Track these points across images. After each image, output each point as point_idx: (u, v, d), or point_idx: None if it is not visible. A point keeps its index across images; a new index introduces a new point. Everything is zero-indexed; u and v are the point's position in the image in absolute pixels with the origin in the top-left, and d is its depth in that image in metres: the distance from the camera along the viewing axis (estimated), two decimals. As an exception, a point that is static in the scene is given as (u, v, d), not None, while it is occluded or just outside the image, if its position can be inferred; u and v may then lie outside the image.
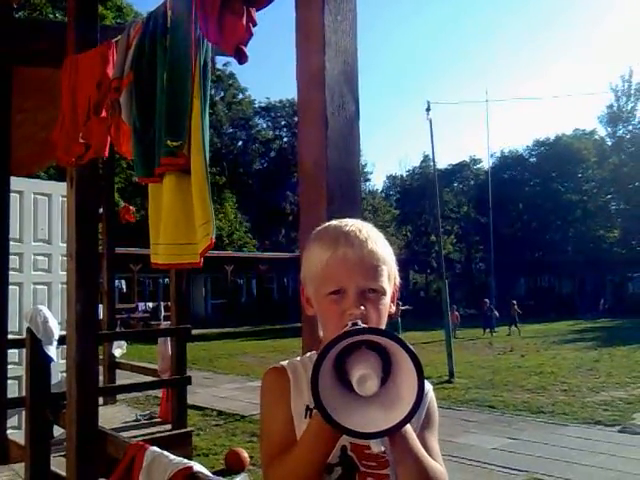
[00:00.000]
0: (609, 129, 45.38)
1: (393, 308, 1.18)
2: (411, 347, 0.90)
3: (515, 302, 21.61)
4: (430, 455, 1.08)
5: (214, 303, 31.34)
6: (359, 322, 1.00)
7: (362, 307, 1.07)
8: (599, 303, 33.53)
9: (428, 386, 1.21)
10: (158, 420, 6.60)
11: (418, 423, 1.14)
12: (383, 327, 1.13)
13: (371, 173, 50.91)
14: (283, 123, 45.71)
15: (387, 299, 1.13)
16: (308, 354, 1.24)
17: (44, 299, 5.86)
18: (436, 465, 1.07)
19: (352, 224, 1.15)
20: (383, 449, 0.95)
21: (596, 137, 46.58)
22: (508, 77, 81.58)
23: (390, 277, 1.14)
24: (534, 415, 7.83)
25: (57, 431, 4.02)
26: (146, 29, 2.23)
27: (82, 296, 2.78)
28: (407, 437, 1.00)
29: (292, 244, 36.93)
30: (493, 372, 11.63)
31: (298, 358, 1.24)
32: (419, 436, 1.08)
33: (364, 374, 0.90)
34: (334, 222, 1.19)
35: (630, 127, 44.38)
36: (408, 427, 1.00)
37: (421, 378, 0.89)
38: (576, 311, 28.91)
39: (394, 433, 0.93)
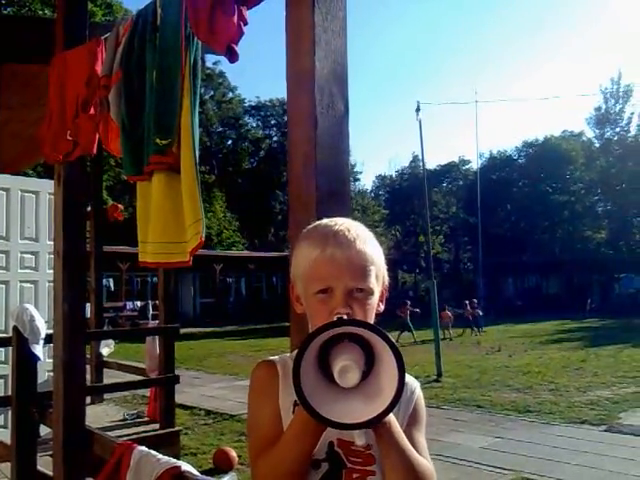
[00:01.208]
0: (597, 131, 45.76)
1: (382, 307, 1.19)
2: (392, 339, 0.91)
3: (468, 302, 21.67)
4: (416, 450, 1.08)
5: (203, 302, 31.25)
6: (344, 316, 1.02)
7: (349, 307, 1.08)
8: (586, 303, 33.71)
9: (415, 384, 1.22)
10: (146, 419, 6.60)
11: (404, 419, 1.15)
12: None
13: (361, 173, 50.95)
14: (273, 122, 45.68)
15: (374, 299, 1.14)
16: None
17: (31, 297, 5.83)
18: (422, 459, 1.07)
19: (342, 223, 1.16)
20: (366, 442, 0.96)
21: (584, 139, 46.94)
22: (497, 78, 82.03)
23: (378, 277, 1.15)
24: (521, 414, 7.88)
25: (43, 430, 4.00)
26: (135, 26, 2.22)
27: (69, 294, 2.76)
28: (393, 431, 1.01)
29: (281, 243, 36.94)
30: (481, 372, 11.68)
31: (288, 354, 1.25)
32: (405, 432, 1.09)
33: (345, 365, 0.91)
34: (324, 221, 1.19)
35: (618, 129, 44.75)
36: (394, 421, 1.01)
37: (402, 370, 0.90)
38: (563, 311, 29.06)
39: (375, 424, 0.94)
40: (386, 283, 1.20)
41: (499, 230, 43.24)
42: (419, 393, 1.21)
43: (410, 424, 1.15)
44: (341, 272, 1.09)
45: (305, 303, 1.16)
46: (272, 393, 1.14)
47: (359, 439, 0.96)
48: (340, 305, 1.08)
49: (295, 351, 1.24)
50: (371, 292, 1.12)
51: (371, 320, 1.13)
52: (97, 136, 2.42)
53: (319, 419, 0.90)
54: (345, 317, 1.01)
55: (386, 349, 0.90)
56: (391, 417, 1.00)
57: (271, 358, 1.21)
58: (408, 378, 1.20)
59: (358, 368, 0.91)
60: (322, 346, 0.93)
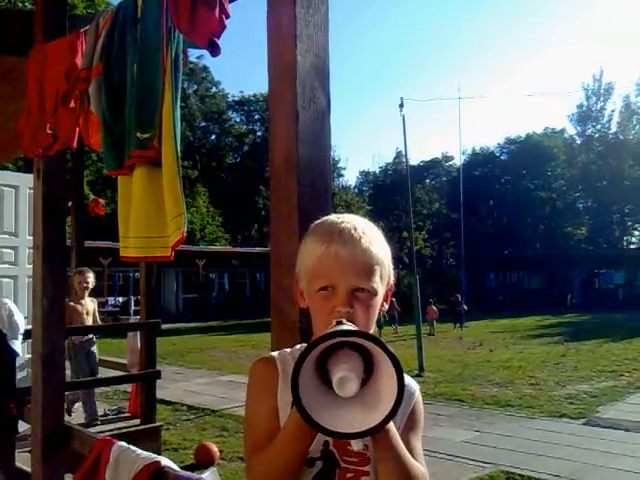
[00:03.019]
0: (579, 128, 46.26)
1: (386, 306, 1.18)
2: (391, 350, 0.89)
3: (459, 295, 21.84)
4: (412, 455, 1.08)
5: (186, 298, 31.11)
6: (344, 321, 1.00)
7: (351, 306, 1.07)
8: (566, 299, 34.15)
9: (415, 386, 1.21)
10: (127, 415, 6.55)
11: (402, 423, 1.14)
12: (372, 327, 1.13)
13: (344, 169, 50.97)
14: (257, 117, 45.46)
15: (378, 299, 1.12)
16: (298, 346, 1.23)
17: (10, 292, 5.76)
18: (417, 465, 1.07)
19: (349, 221, 1.14)
20: (363, 447, 0.97)
21: (566, 136, 47.41)
22: (481, 76, 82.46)
23: (383, 277, 1.13)
24: (502, 408, 7.96)
25: (22, 427, 3.96)
26: (116, 19, 2.19)
27: (49, 290, 2.73)
28: (389, 436, 1.00)
29: (265, 239, 36.81)
30: (462, 366, 11.78)
31: (288, 350, 1.23)
32: (402, 436, 1.08)
33: (344, 376, 0.89)
34: (332, 217, 1.18)
35: (599, 126, 45.29)
36: (391, 426, 1.00)
37: (401, 381, 0.89)
38: (544, 306, 29.39)
39: (373, 434, 0.93)
40: (391, 282, 1.18)
41: (481, 226, 43.58)
42: (418, 396, 1.20)
43: (408, 428, 1.15)
44: (344, 270, 1.07)
45: (308, 299, 1.15)
46: (270, 390, 1.12)
47: (356, 444, 0.96)
48: (341, 304, 1.07)
49: (297, 345, 1.23)
50: (374, 292, 1.10)
51: (373, 320, 1.12)
52: (77, 130, 2.39)
53: (318, 428, 0.89)
54: (344, 320, 1.00)
55: (385, 359, 0.89)
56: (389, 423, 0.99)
57: (271, 354, 1.19)
58: (408, 379, 1.19)
59: (357, 378, 0.90)
60: (321, 353, 0.92)
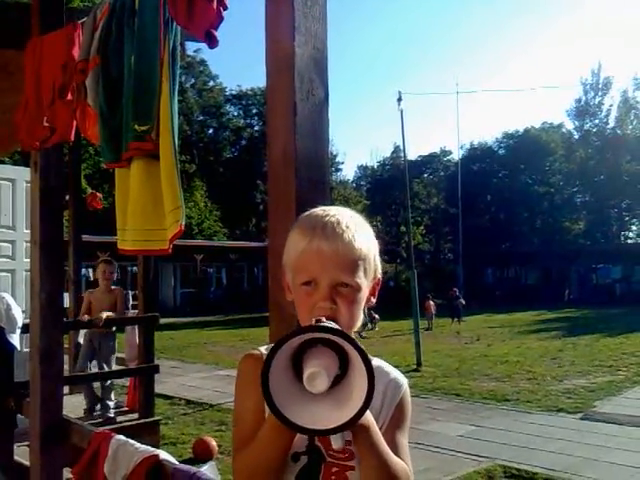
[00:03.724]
0: (576, 123, 46.25)
1: (373, 301, 1.16)
2: (363, 347, 0.88)
3: (456, 290, 21.81)
4: (396, 452, 1.07)
5: (183, 292, 31.11)
6: (323, 319, 0.99)
7: (333, 301, 1.06)
8: (564, 293, 34.20)
9: (403, 380, 1.19)
10: (125, 409, 6.55)
11: (387, 417, 1.13)
12: (357, 322, 1.12)
13: (342, 163, 51.01)
14: (254, 111, 45.33)
15: (362, 294, 1.11)
16: None
17: (7, 286, 5.75)
18: (399, 462, 1.06)
19: (333, 214, 1.12)
20: (342, 445, 0.96)
21: (564, 130, 47.40)
22: (479, 69, 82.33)
23: (368, 272, 1.12)
24: (499, 403, 7.98)
25: (21, 421, 3.96)
26: (113, 11, 2.18)
27: (47, 283, 2.72)
28: (370, 433, 0.99)
29: (263, 233, 36.80)
30: (460, 361, 11.80)
31: None
32: (387, 431, 1.08)
33: (313, 372, 0.89)
34: (318, 210, 1.16)
35: (597, 121, 45.27)
36: (372, 423, 0.99)
37: (371, 379, 0.88)
38: (541, 301, 29.42)
39: (345, 430, 0.92)
40: (378, 276, 1.17)
41: (479, 221, 43.56)
42: (406, 390, 1.18)
43: (393, 424, 1.13)
44: (326, 265, 1.06)
45: (293, 292, 1.14)
46: (257, 385, 1.11)
47: (335, 442, 0.96)
48: (323, 299, 1.06)
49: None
50: (358, 288, 1.09)
51: (357, 316, 1.11)
52: (74, 122, 2.38)
53: (287, 424, 0.89)
54: (324, 319, 0.99)
55: (357, 357, 0.88)
56: (369, 419, 0.98)
57: (259, 349, 1.18)
58: (396, 373, 1.19)
59: (327, 375, 0.89)
60: (297, 349, 0.92)
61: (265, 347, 1.19)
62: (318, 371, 0.89)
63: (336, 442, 0.96)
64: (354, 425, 0.91)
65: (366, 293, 1.13)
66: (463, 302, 21.68)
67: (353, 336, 1.15)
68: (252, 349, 1.20)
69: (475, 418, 7.17)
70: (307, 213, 1.17)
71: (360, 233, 1.11)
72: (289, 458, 1.07)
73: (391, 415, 1.13)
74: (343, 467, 1.09)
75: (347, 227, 1.09)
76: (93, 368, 6.15)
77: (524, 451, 5.77)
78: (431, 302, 19.40)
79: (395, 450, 1.07)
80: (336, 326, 0.93)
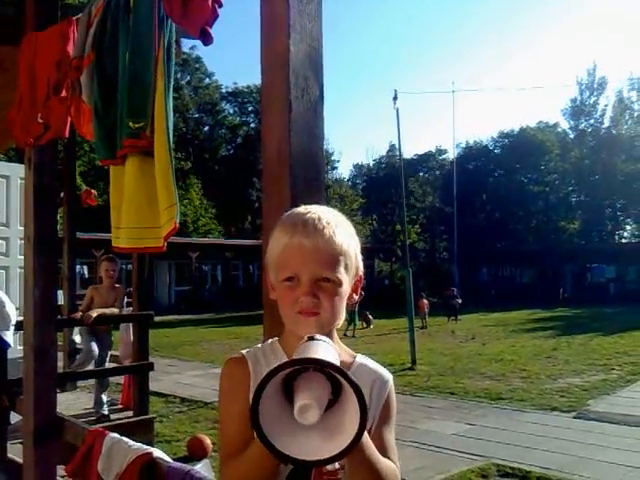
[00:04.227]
0: (572, 122, 46.34)
1: (355, 298, 1.17)
2: (355, 381, 0.87)
3: (454, 289, 21.79)
4: (385, 451, 1.08)
5: (178, 290, 31.05)
6: (316, 336, 0.98)
7: (315, 296, 1.07)
8: (558, 293, 34.29)
9: (388, 375, 1.20)
10: (120, 407, 6.55)
11: (376, 412, 1.13)
12: (339, 317, 1.13)
13: (338, 162, 50.96)
14: (250, 109, 45.31)
15: (343, 290, 1.12)
16: (270, 340, 1.23)
17: (1, 283, 5.74)
18: (387, 467, 1.06)
19: (314, 212, 1.14)
20: (338, 467, 0.94)
21: (559, 130, 47.49)
22: (475, 68, 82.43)
23: (349, 267, 1.13)
24: (493, 402, 7.99)
25: (14, 418, 3.95)
26: (108, 7, 2.17)
27: (40, 280, 2.72)
28: (362, 447, 0.98)
29: (258, 231, 36.72)
30: (454, 359, 11.82)
31: (260, 345, 1.23)
32: (376, 431, 1.09)
33: (305, 404, 0.87)
34: (299, 208, 1.18)
35: (592, 121, 45.39)
36: (365, 439, 0.98)
37: (364, 414, 0.86)
38: (536, 300, 29.50)
39: (337, 461, 0.91)
40: (360, 273, 1.18)
41: (474, 220, 43.64)
42: (391, 387, 1.19)
43: (381, 422, 1.14)
44: (307, 260, 1.08)
45: (276, 290, 1.15)
46: (241, 393, 1.11)
47: (329, 465, 0.95)
48: (305, 293, 1.07)
49: (269, 340, 1.23)
50: (339, 283, 1.10)
51: (339, 311, 1.11)
52: (69, 119, 2.38)
53: (278, 456, 0.88)
54: (317, 336, 0.98)
55: (350, 390, 0.87)
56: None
57: (241, 352, 1.19)
58: (380, 369, 1.20)
59: (319, 406, 0.88)
60: (287, 375, 0.90)
61: (247, 351, 1.19)
62: (309, 403, 0.87)
63: (331, 465, 0.94)
64: (347, 455, 0.89)
65: (348, 289, 1.14)
66: (460, 301, 21.68)
67: (335, 333, 1.16)
68: (235, 353, 1.20)
69: (469, 417, 7.18)
70: (289, 212, 1.19)
71: (341, 229, 1.12)
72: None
73: (379, 415, 1.14)
74: (334, 470, 1.09)
75: (327, 223, 1.11)
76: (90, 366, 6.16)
77: (518, 450, 5.78)
78: (425, 301, 19.38)
79: (384, 449, 1.08)
80: (329, 359, 0.90)
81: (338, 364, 0.89)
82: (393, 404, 1.18)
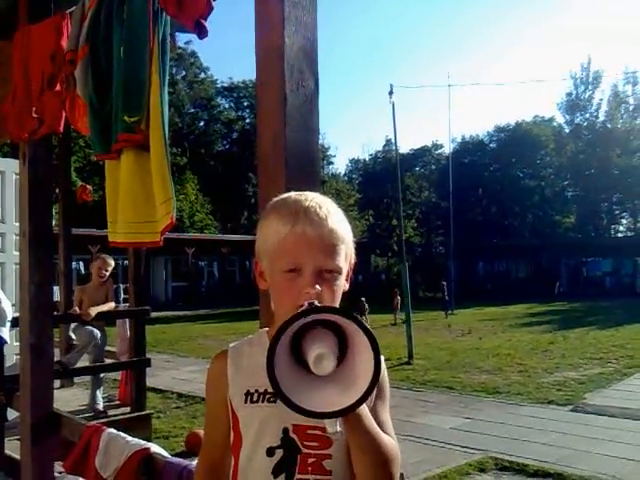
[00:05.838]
0: (567, 116, 46.37)
1: (346, 286, 1.15)
2: (367, 326, 0.88)
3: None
4: (382, 428, 1.07)
5: (175, 286, 31.02)
6: (315, 302, 0.97)
7: (318, 287, 1.04)
8: (554, 287, 34.36)
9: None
10: (117, 403, 6.54)
11: (372, 397, 1.12)
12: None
13: (334, 156, 50.99)
14: (246, 104, 45.17)
15: (342, 279, 1.10)
16: (260, 331, 1.23)
17: (-3, 280, 5.72)
18: (389, 440, 1.06)
19: (312, 199, 1.11)
20: (339, 429, 0.94)
21: (555, 124, 47.49)
22: (471, 62, 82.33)
23: (347, 256, 1.11)
24: (490, 395, 8.01)
25: (11, 414, 3.95)
26: (102, 0, 2.16)
27: (36, 276, 2.71)
28: (362, 417, 0.99)
29: (255, 227, 36.63)
30: (451, 354, 11.84)
31: (250, 336, 1.23)
32: (373, 410, 1.07)
33: (320, 353, 0.88)
34: (293, 194, 1.14)
35: (587, 115, 45.42)
36: (363, 406, 0.98)
37: (377, 357, 0.87)
38: (532, 294, 29.55)
39: (351, 412, 0.91)
40: (352, 262, 1.16)
41: (470, 214, 43.66)
42: (383, 367, 1.20)
43: (377, 400, 1.13)
44: (312, 251, 1.05)
45: (270, 280, 1.12)
46: (217, 383, 1.17)
47: (331, 426, 0.93)
48: (308, 284, 1.04)
49: (259, 330, 1.24)
50: (340, 272, 1.09)
51: (338, 300, 1.10)
52: (63, 113, 2.36)
53: (297, 409, 0.88)
54: (316, 302, 0.97)
55: (361, 336, 0.87)
56: (363, 406, 0.98)
57: (225, 349, 1.21)
58: None
59: (333, 356, 0.88)
60: (294, 334, 0.90)
61: (233, 344, 1.20)
62: (325, 352, 0.88)
63: (332, 426, 0.93)
64: (361, 405, 0.90)
65: (344, 277, 1.12)
66: (447, 297, 21.56)
67: None
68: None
69: (467, 411, 7.20)
70: (281, 197, 1.15)
71: (339, 218, 1.11)
72: (264, 453, 1.08)
73: (375, 394, 1.12)
74: (320, 456, 1.08)
75: (329, 212, 1.09)
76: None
77: (515, 443, 5.81)
78: (397, 297, 18.82)
79: (382, 427, 1.07)
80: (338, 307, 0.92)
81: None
82: (386, 384, 1.17)
